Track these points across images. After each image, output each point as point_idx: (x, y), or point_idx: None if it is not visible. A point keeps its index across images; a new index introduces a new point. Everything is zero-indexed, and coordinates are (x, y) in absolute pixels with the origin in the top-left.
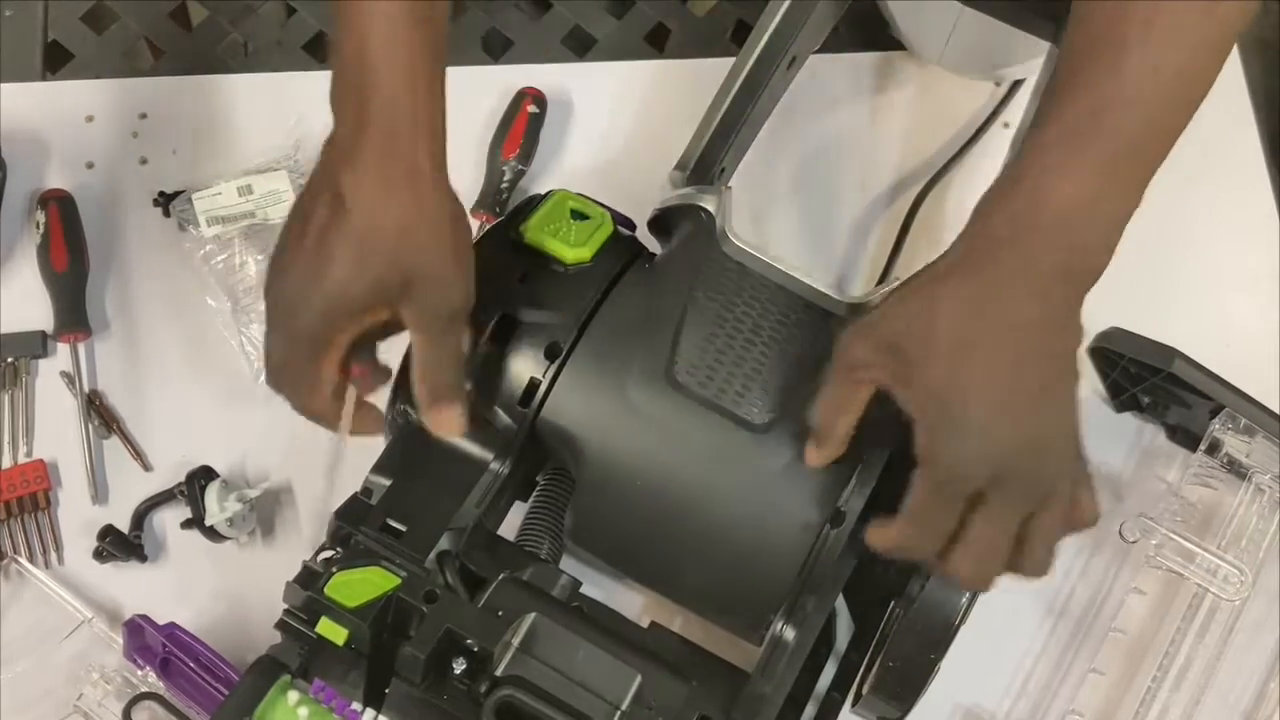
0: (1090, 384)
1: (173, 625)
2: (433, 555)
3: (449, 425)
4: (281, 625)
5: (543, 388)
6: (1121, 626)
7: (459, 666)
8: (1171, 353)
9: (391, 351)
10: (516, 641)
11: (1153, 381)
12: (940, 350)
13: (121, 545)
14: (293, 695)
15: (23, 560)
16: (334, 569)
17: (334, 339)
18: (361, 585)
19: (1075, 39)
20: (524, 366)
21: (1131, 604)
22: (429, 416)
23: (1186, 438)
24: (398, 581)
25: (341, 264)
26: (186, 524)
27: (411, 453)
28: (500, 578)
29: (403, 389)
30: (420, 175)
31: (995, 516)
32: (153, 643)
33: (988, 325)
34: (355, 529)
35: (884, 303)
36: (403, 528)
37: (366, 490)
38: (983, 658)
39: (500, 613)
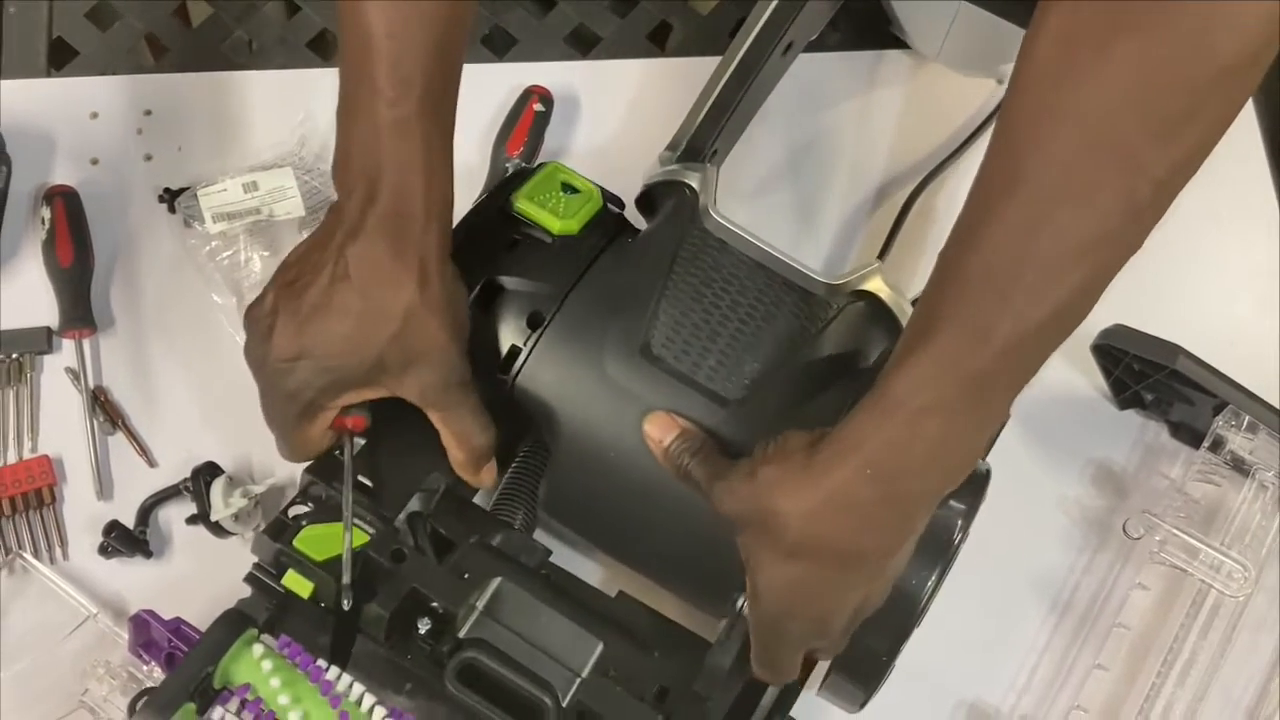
0: (1093, 381)
1: (178, 620)
2: (403, 516)
3: (490, 478)
4: (250, 579)
5: (523, 355)
6: (1125, 622)
7: (423, 627)
8: (1175, 349)
9: None
10: (481, 605)
11: (1156, 378)
12: (780, 565)
13: (127, 541)
14: (257, 649)
15: (28, 556)
16: (304, 522)
17: (327, 407)
18: (330, 540)
19: (970, 245)
20: (506, 333)
21: (1135, 600)
22: (474, 479)
23: (1190, 435)
24: (366, 538)
25: (342, 340)
26: (192, 520)
27: (387, 413)
28: (469, 542)
29: None
30: (427, 260)
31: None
32: (158, 638)
33: (834, 554)
34: (327, 484)
35: (760, 469)
36: (373, 485)
37: (340, 448)
38: (987, 653)
39: (466, 575)
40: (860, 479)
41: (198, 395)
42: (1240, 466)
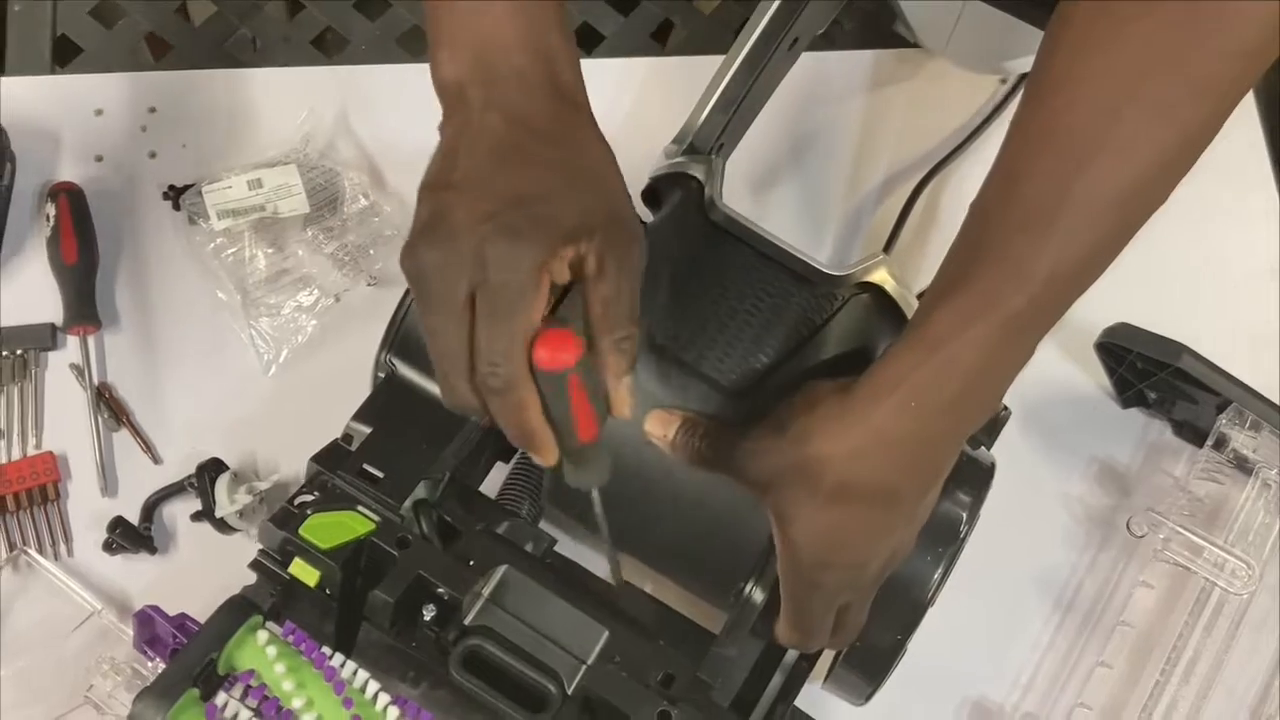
0: (1097, 379)
1: (183, 616)
2: (409, 504)
3: (628, 363)
4: (255, 565)
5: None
6: (1129, 620)
7: (428, 614)
8: (1179, 348)
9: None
10: (486, 592)
11: (1160, 376)
12: (819, 513)
13: (131, 537)
14: (262, 635)
15: (33, 552)
16: (310, 511)
17: (544, 282)
18: (336, 528)
19: (1013, 182)
20: None
21: (1139, 598)
22: (612, 360)
23: (1193, 433)
24: (372, 526)
25: (555, 190)
26: (196, 516)
27: (394, 402)
28: (475, 529)
29: (390, 338)
30: (592, 119)
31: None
32: (163, 634)
33: (874, 494)
34: (333, 473)
35: (791, 422)
36: (380, 474)
37: (347, 437)
38: (991, 650)
39: (472, 563)
40: (903, 414)
41: (202, 392)
42: (1244, 465)
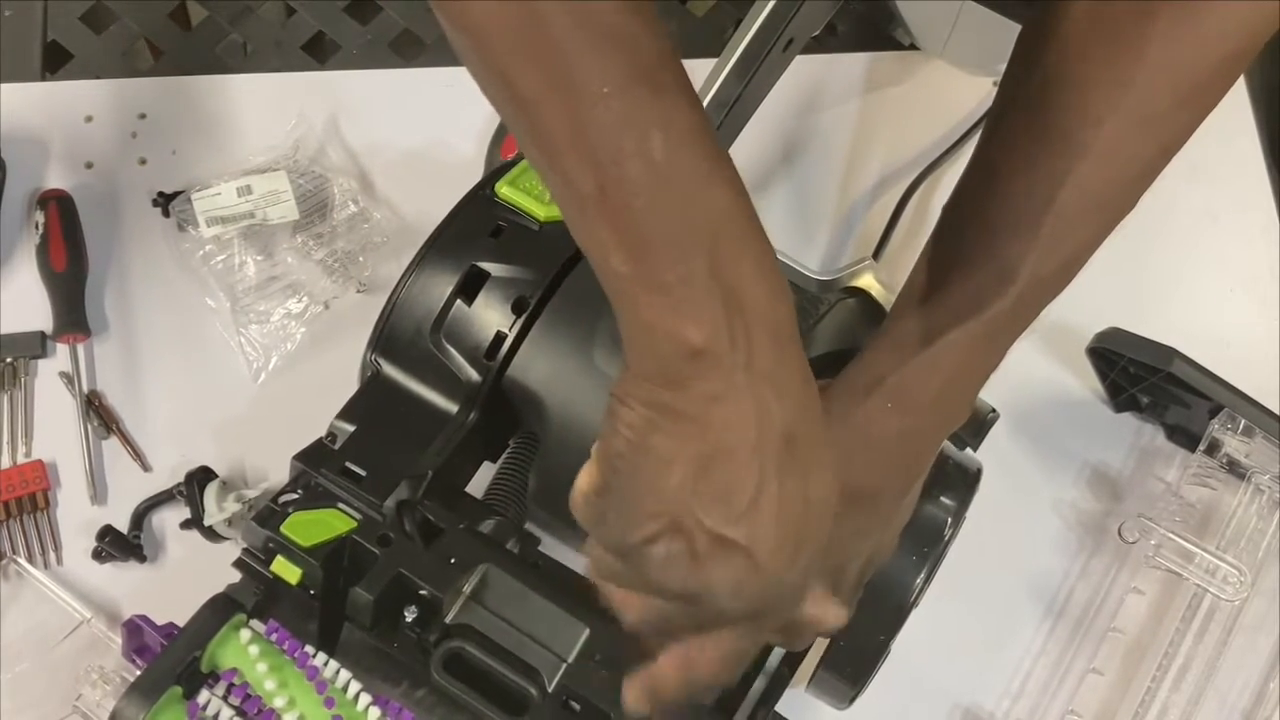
0: (1089, 384)
1: (172, 625)
2: (392, 502)
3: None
4: (239, 563)
5: (508, 342)
6: (1120, 626)
7: (410, 614)
8: (1171, 353)
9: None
10: (468, 590)
11: (1152, 381)
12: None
13: (120, 545)
14: (245, 634)
15: (22, 560)
16: (291, 509)
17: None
18: (318, 526)
19: (1005, 193)
20: (491, 319)
21: (1130, 604)
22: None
23: (1186, 438)
24: (354, 524)
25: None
26: (185, 524)
27: (378, 401)
28: (457, 528)
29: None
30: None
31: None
32: (151, 643)
33: (854, 495)
34: (316, 471)
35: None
36: (363, 472)
37: (331, 435)
38: (982, 657)
39: (453, 561)
40: (883, 414)
41: (192, 399)
42: (1236, 470)
